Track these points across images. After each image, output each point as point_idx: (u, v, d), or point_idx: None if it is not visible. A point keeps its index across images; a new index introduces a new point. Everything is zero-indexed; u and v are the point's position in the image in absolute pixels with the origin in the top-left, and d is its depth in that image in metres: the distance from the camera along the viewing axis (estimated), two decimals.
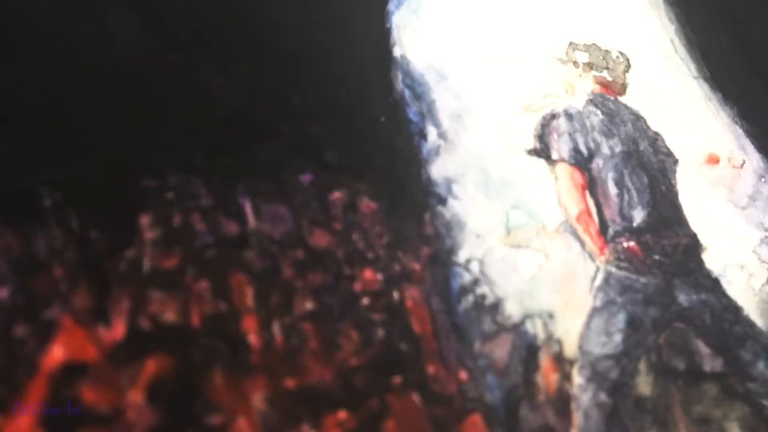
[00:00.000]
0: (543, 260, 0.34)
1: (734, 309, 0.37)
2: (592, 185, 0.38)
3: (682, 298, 0.36)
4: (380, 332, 0.30)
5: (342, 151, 0.34)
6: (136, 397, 0.25)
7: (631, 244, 0.37)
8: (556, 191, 0.37)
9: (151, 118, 0.31)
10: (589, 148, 0.39)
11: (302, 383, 0.28)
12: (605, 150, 0.39)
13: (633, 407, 0.32)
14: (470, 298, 0.32)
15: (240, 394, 0.27)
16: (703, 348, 0.35)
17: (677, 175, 0.41)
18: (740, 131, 0.45)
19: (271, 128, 0.33)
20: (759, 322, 0.37)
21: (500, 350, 0.31)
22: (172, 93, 0.32)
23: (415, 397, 0.29)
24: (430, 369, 0.30)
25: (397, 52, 0.38)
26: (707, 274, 0.38)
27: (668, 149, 0.42)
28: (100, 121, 0.30)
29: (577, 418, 0.31)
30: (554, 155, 0.38)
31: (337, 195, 0.32)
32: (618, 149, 0.39)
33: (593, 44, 0.44)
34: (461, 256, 0.33)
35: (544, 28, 0.43)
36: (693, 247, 0.38)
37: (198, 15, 0.34)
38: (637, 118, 0.42)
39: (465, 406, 0.30)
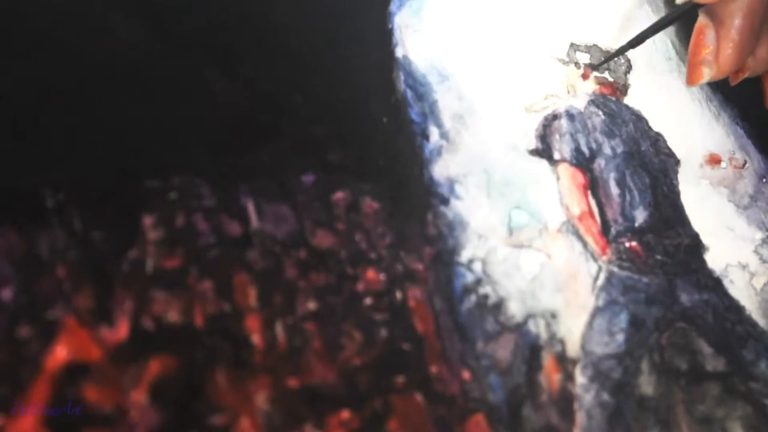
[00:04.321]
0: (545, 260, 0.34)
1: (736, 309, 0.37)
2: (593, 185, 0.38)
3: (684, 298, 0.36)
4: (383, 332, 0.30)
5: (344, 151, 0.34)
6: (139, 397, 0.25)
7: (633, 244, 0.37)
8: (558, 191, 0.37)
9: (154, 119, 0.31)
10: (590, 149, 0.39)
11: (305, 383, 0.28)
12: (607, 150, 0.39)
13: (636, 407, 0.32)
14: (473, 298, 0.32)
15: (243, 394, 0.27)
16: (705, 348, 0.35)
17: (679, 176, 0.41)
18: (741, 132, 0.45)
19: (274, 129, 0.33)
20: (761, 321, 0.37)
21: (503, 350, 0.31)
22: (174, 94, 0.32)
23: (418, 397, 0.29)
24: (433, 369, 0.30)
25: (399, 52, 0.38)
26: (709, 274, 0.38)
27: (670, 150, 0.42)
28: (102, 122, 0.30)
29: (580, 418, 0.31)
30: (556, 155, 0.38)
31: (339, 195, 0.32)
32: (620, 150, 0.39)
33: (594, 45, 0.44)
34: (464, 256, 0.33)
35: (546, 29, 0.43)
36: (695, 247, 0.38)
37: (200, 15, 0.34)
38: (639, 119, 0.42)
39: (468, 406, 0.30)
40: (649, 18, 0.47)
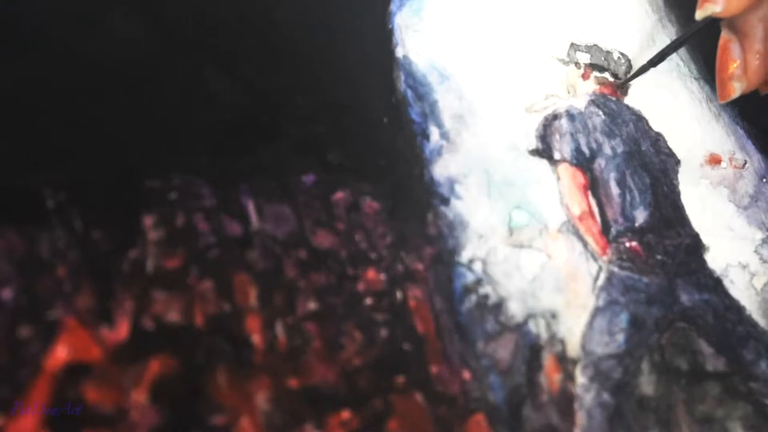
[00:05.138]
0: (546, 260, 0.34)
1: (737, 309, 0.37)
2: (594, 185, 0.38)
3: (685, 298, 0.36)
4: (383, 332, 0.30)
5: (344, 151, 0.34)
6: (140, 397, 0.25)
7: (634, 244, 0.37)
8: (559, 191, 0.37)
9: (154, 119, 0.31)
10: (591, 149, 0.39)
11: (306, 383, 0.28)
12: (607, 150, 0.39)
13: (636, 407, 0.32)
14: (473, 297, 0.32)
15: (243, 394, 0.27)
16: (705, 348, 0.35)
17: (679, 176, 0.41)
18: (741, 132, 0.45)
19: (274, 129, 0.33)
20: (761, 322, 0.37)
21: (503, 350, 0.31)
22: (175, 93, 0.32)
23: (419, 397, 0.29)
24: (434, 369, 0.30)
25: (399, 52, 0.38)
26: (709, 274, 0.38)
27: (670, 150, 0.42)
28: (102, 122, 0.30)
29: (580, 418, 0.31)
30: (556, 155, 0.38)
31: (339, 195, 0.32)
32: (620, 149, 0.39)
33: (594, 45, 0.44)
34: (464, 256, 0.33)
35: (546, 29, 0.43)
36: (695, 247, 0.38)
37: (201, 15, 0.34)
38: (639, 119, 0.42)
39: (468, 406, 0.30)
40: (648, 16, 0.47)
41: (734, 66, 0.38)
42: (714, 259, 0.39)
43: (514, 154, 0.37)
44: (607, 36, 0.45)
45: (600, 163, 0.39)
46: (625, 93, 0.43)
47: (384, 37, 0.38)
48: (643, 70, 0.43)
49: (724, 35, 0.38)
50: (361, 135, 0.35)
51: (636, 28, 0.46)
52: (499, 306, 0.32)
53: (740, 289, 0.38)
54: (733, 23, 0.38)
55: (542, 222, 0.36)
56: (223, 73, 0.33)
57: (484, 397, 0.30)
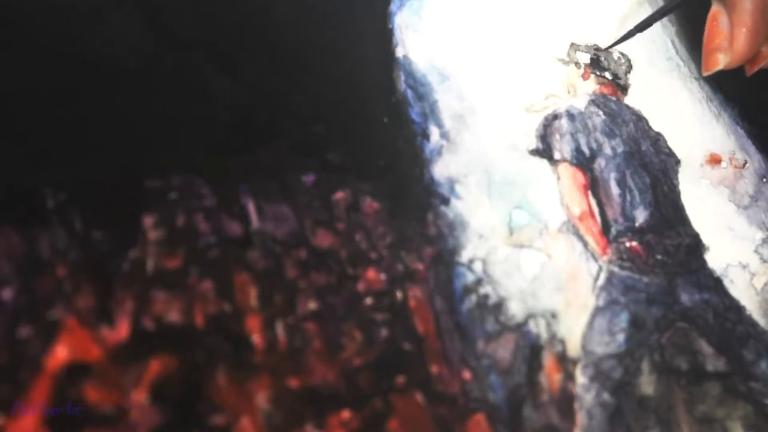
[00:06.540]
0: (546, 260, 0.34)
1: (737, 309, 0.37)
2: (594, 185, 0.38)
3: (685, 298, 0.36)
4: (384, 332, 0.30)
5: (345, 151, 0.34)
6: (139, 396, 0.25)
7: (634, 244, 0.37)
8: (559, 191, 0.37)
9: (154, 119, 0.31)
10: (591, 149, 0.39)
11: (306, 383, 0.28)
12: (607, 150, 0.39)
13: (636, 406, 0.32)
14: (473, 297, 0.32)
15: (244, 394, 0.27)
16: (705, 348, 0.35)
17: (679, 176, 0.41)
18: (742, 132, 0.45)
19: (274, 129, 0.33)
20: (761, 321, 0.37)
21: (503, 350, 0.31)
22: (174, 93, 0.32)
23: (419, 397, 0.29)
24: (434, 369, 0.30)
25: (399, 52, 0.38)
26: (709, 273, 0.38)
27: (670, 150, 0.42)
28: (102, 122, 0.30)
29: (581, 418, 0.31)
30: (556, 155, 0.38)
31: (339, 195, 0.32)
32: (620, 149, 0.39)
33: (594, 45, 0.44)
34: (464, 256, 0.33)
35: (546, 29, 0.43)
36: (695, 247, 0.38)
37: (201, 15, 0.34)
38: (639, 119, 0.42)
39: (469, 406, 0.30)
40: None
41: (721, 38, 0.38)
42: (714, 259, 0.39)
43: (514, 154, 0.37)
44: (607, 36, 0.45)
45: (600, 163, 0.39)
46: (624, 92, 0.43)
47: (384, 37, 0.38)
48: (630, 35, 0.42)
49: (714, 7, 0.39)
50: (361, 135, 0.35)
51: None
52: (500, 306, 0.32)
53: (740, 289, 0.38)
54: None
55: (542, 222, 0.36)
56: (223, 72, 0.33)
57: (484, 397, 0.30)
